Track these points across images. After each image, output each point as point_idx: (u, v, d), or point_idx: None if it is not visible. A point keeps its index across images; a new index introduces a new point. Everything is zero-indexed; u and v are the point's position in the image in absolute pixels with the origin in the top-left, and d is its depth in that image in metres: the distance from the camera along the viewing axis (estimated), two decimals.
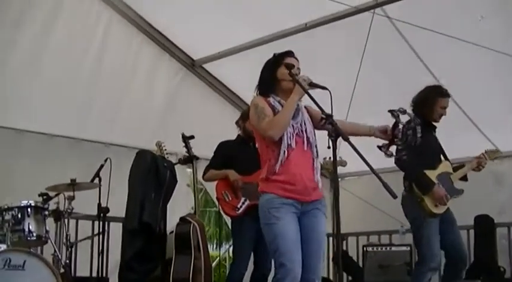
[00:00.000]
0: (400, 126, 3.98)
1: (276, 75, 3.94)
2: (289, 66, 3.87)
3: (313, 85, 3.83)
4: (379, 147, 4.04)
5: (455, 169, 5.45)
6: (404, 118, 4.12)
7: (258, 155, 4.00)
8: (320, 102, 3.72)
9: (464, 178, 5.48)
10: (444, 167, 5.38)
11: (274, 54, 4.03)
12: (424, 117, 5.33)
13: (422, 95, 5.39)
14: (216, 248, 8.91)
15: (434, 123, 5.41)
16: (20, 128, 6.17)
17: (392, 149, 4.06)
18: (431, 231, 5.17)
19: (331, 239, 7.41)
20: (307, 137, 3.88)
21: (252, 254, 5.58)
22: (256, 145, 4.10)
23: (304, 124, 3.91)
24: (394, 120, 3.97)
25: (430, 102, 5.32)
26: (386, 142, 4.01)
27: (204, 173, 5.83)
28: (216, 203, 5.87)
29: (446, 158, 5.47)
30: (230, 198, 5.62)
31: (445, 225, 5.25)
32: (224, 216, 5.97)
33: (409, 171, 5.26)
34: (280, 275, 3.69)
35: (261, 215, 3.84)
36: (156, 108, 7.12)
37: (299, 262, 3.72)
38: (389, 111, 3.99)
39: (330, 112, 3.62)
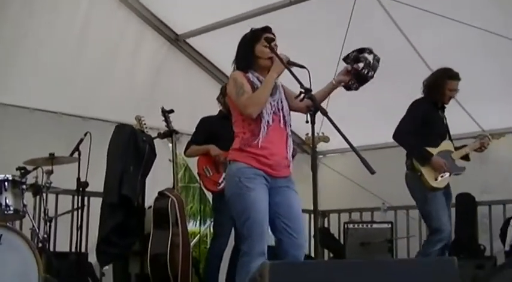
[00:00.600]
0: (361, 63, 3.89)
1: (253, 52, 3.89)
2: (269, 40, 3.83)
3: (291, 63, 3.80)
4: (345, 86, 3.96)
5: (456, 149, 5.48)
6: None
7: None
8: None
9: (466, 158, 5.54)
10: (445, 145, 5.43)
11: (252, 29, 3.97)
12: (434, 99, 5.36)
13: (431, 77, 5.47)
14: (201, 224, 8.88)
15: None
16: (0, 101, 6.10)
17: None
18: (437, 204, 5.25)
19: (312, 215, 7.41)
20: (283, 115, 3.87)
21: (233, 229, 5.57)
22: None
23: (281, 102, 3.89)
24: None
25: (439, 84, 5.38)
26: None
27: (186, 149, 5.79)
28: (198, 178, 5.84)
29: (450, 139, 5.50)
30: (211, 174, 5.60)
31: (446, 201, 5.34)
32: (206, 191, 5.94)
33: (410, 147, 5.27)
34: (247, 247, 3.67)
35: (230, 184, 3.81)
36: (139, 83, 7.06)
37: (266, 234, 3.71)
38: (343, 59, 3.94)
39: None
